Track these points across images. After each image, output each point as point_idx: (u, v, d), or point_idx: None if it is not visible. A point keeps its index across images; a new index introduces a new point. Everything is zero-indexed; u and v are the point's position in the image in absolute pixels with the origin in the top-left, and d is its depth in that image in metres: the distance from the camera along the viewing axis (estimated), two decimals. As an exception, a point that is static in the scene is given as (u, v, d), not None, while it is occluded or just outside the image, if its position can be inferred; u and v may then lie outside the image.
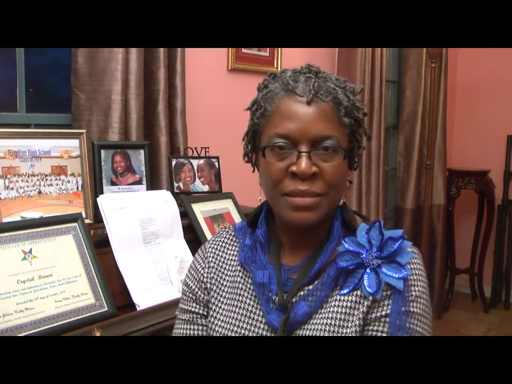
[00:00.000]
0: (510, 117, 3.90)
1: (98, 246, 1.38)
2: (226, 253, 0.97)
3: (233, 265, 0.96)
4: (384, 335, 0.81)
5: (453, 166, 4.03)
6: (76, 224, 1.33)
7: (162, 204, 1.55)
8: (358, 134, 0.89)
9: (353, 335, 0.81)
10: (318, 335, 0.82)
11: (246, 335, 0.88)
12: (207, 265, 0.97)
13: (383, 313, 0.82)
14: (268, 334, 0.87)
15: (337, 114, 0.84)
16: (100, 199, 1.44)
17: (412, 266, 0.84)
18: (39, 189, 1.45)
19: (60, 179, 1.49)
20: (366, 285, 0.82)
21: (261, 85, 0.90)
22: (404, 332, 0.80)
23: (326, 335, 0.82)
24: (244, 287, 0.92)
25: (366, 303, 0.82)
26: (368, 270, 0.83)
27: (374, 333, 0.82)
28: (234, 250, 0.97)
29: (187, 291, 0.98)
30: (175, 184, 1.80)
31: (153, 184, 1.77)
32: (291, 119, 0.82)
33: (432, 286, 3.66)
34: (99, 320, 1.21)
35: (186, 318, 0.96)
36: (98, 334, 1.13)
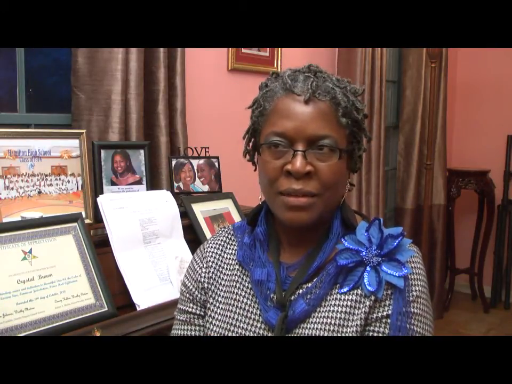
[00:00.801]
0: (510, 117, 3.90)
1: (98, 246, 1.38)
2: (225, 252, 0.97)
3: (231, 264, 0.96)
4: (385, 336, 0.81)
5: (453, 166, 4.03)
6: (76, 224, 1.33)
7: (162, 204, 1.55)
8: (358, 135, 0.88)
9: (354, 335, 0.81)
10: (317, 334, 0.82)
11: (243, 334, 0.88)
12: (205, 265, 0.97)
13: (384, 313, 0.82)
14: (265, 333, 0.87)
15: (335, 114, 0.84)
16: (100, 199, 1.44)
17: (412, 265, 0.84)
18: (39, 189, 1.45)
19: (60, 179, 1.49)
20: (366, 283, 0.82)
21: (263, 83, 0.91)
22: (405, 332, 0.80)
23: (326, 334, 0.82)
24: (241, 286, 0.92)
25: (367, 302, 0.82)
26: (368, 268, 0.83)
27: (375, 334, 0.82)
28: (233, 249, 0.97)
29: (184, 291, 0.98)
30: (175, 184, 1.80)
31: (153, 184, 1.77)
32: (288, 117, 0.82)
33: (432, 286, 3.67)
34: (99, 320, 1.21)
35: (184, 319, 0.96)
36: (98, 334, 1.13)
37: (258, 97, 0.89)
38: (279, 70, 2.16)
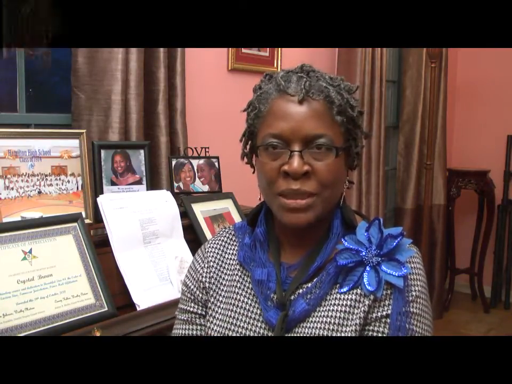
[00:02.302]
0: (510, 117, 3.90)
1: (98, 246, 1.38)
2: (226, 252, 0.98)
3: (232, 264, 0.96)
4: (384, 336, 0.81)
5: (453, 166, 4.02)
6: (76, 224, 1.33)
7: (162, 203, 1.55)
8: (354, 132, 0.89)
9: (353, 334, 0.81)
10: (317, 333, 0.83)
11: (243, 333, 0.88)
12: (206, 265, 0.97)
13: (384, 313, 0.82)
14: (266, 332, 0.87)
15: (329, 113, 0.84)
16: (100, 199, 1.44)
17: (412, 266, 0.84)
18: (39, 189, 1.45)
19: (60, 179, 1.49)
20: (366, 283, 0.82)
21: (256, 86, 0.91)
22: (404, 332, 0.80)
23: (325, 333, 0.82)
24: (242, 286, 0.93)
25: (367, 302, 0.82)
26: (367, 268, 0.83)
27: (375, 334, 0.82)
28: (234, 250, 0.97)
29: (186, 291, 0.98)
30: (175, 184, 1.80)
31: (153, 184, 1.77)
32: (283, 118, 0.83)
33: (432, 286, 3.67)
34: (99, 320, 1.21)
35: (185, 318, 0.97)
36: (98, 334, 1.13)
37: (253, 99, 0.90)
38: (279, 70, 2.16)
